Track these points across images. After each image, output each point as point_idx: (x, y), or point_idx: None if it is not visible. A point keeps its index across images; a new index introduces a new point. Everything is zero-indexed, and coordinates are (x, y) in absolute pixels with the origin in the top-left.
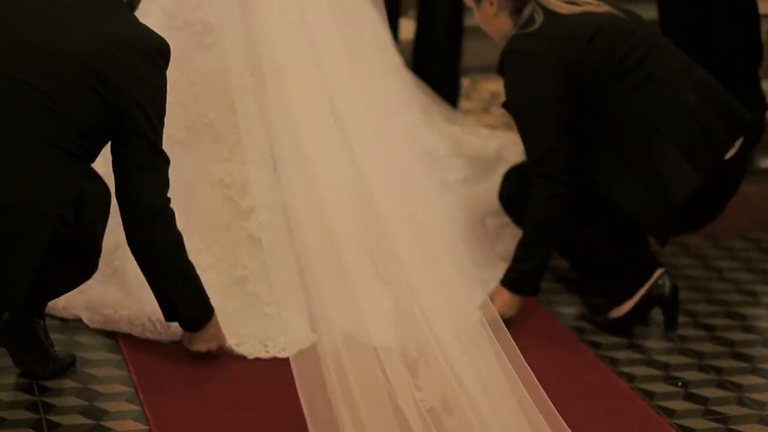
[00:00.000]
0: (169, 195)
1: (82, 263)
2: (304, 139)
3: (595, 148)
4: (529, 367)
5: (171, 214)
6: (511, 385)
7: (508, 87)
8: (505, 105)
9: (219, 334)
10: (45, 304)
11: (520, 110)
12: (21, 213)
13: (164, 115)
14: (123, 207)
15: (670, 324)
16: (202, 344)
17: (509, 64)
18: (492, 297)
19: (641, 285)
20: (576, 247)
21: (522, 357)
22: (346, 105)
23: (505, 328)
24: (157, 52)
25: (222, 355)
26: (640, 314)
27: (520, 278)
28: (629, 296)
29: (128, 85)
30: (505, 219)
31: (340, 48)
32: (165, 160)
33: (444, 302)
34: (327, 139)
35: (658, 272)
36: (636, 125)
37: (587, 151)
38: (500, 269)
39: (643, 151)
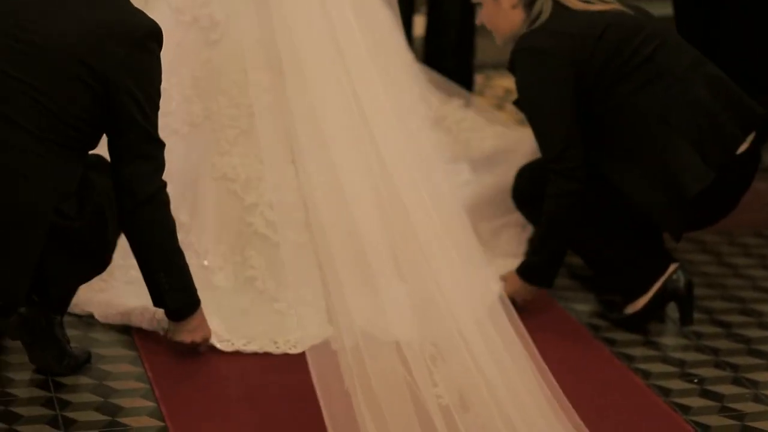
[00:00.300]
0: (167, 183)
1: (91, 256)
2: (326, 131)
3: (606, 144)
4: (544, 363)
5: (165, 201)
6: (534, 379)
7: (518, 85)
8: (516, 103)
9: (203, 326)
10: (63, 301)
11: (531, 108)
12: (15, 208)
13: (158, 99)
14: (118, 193)
15: (685, 319)
16: (186, 335)
17: (519, 62)
18: (504, 280)
19: (656, 280)
20: (590, 243)
21: (536, 350)
22: (368, 97)
23: (516, 316)
24: (147, 35)
25: (205, 349)
26: (655, 309)
27: (533, 269)
28: (644, 292)
29: (116, 75)
30: (499, 222)
31: (360, 41)
32: (159, 146)
33: (465, 294)
34: (349, 131)
35: (672, 267)
36: (646, 122)
37: (598, 148)
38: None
39: (654, 147)
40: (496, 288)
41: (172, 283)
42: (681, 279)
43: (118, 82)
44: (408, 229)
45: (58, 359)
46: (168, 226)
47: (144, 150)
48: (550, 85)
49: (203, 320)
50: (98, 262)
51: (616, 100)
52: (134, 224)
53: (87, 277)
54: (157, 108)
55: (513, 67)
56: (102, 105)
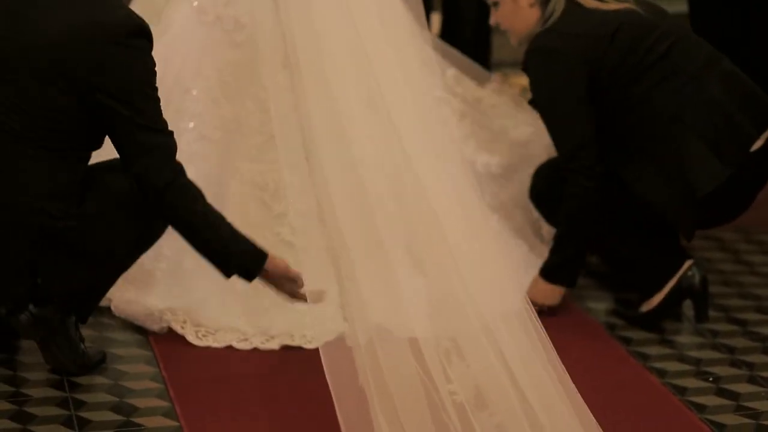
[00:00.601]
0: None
1: (91, 257)
2: (347, 124)
3: (619, 143)
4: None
5: (184, 185)
6: (555, 377)
7: (532, 85)
8: (531, 102)
9: (288, 272)
10: (84, 304)
11: (545, 108)
12: None
13: (153, 91)
14: (139, 191)
15: (700, 316)
16: (286, 283)
17: (532, 62)
18: (530, 287)
19: (671, 277)
20: (606, 241)
21: (556, 352)
22: (391, 91)
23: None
24: (130, 33)
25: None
26: (670, 306)
27: (555, 268)
28: (659, 289)
29: (94, 76)
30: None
31: (381, 34)
32: (162, 135)
33: (489, 289)
34: (371, 125)
35: (687, 264)
36: (660, 120)
37: (612, 147)
38: None
39: (668, 145)
40: (523, 283)
41: (227, 241)
42: (696, 275)
43: (95, 83)
44: (428, 222)
45: (72, 359)
46: (196, 207)
47: (146, 143)
48: (563, 84)
49: (283, 264)
50: (101, 262)
51: (630, 98)
52: (165, 215)
53: (91, 278)
54: (154, 99)
55: (527, 67)
56: (83, 106)
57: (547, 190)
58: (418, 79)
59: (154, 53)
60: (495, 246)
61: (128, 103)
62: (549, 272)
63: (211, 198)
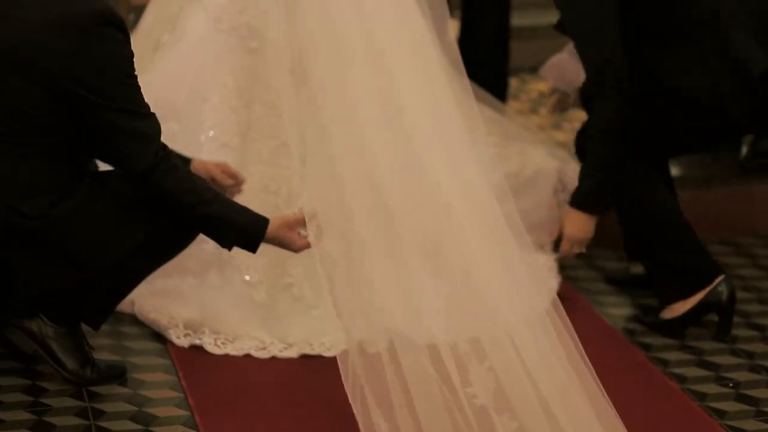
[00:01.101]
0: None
1: (64, 258)
2: (364, 131)
3: (659, 45)
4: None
5: (169, 167)
6: (577, 380)
7: (560, 3)
8: (557, 26)
9: (290, 232)
10: (86, 310)
11: (573, 22)
12: None
13: (128, 80)
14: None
15: (723, 332)
16: (288, 235)
17: None
18: (563, 221)
19: (700, 288)
20: (648, 239)
21: (585, 357)
22: (409, 101)
23: (570, 324)
24: (99, 22)
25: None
26: (695, 318)
27: (586, 196)
28: (684, 297)
29: (66, 66)
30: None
31: (398, 37)
32: (143, 118)
33: (511, 292)
34: (388, 132)
35: (719, 278)
36: (702, 16)
37: (652, 51)
38: None
39: (711, 37)
40: (552, 284)
41: (228, 225)
42: (725, 291)
43: (67, 73)
44: (447, 227)
45: (82, 366)
46: (185, 186)
47: (125, 127)
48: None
49: (280, 222)
50: (84, 266)
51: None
52: (153, 191)
53: (70, 281)
54: (130, 86)
55: None
56: (58, 98)
57: None
58: (435, 82)
59: (167, 62)
60: (515, 250)
61: (101, 90)
62: (582, 200)
63: None
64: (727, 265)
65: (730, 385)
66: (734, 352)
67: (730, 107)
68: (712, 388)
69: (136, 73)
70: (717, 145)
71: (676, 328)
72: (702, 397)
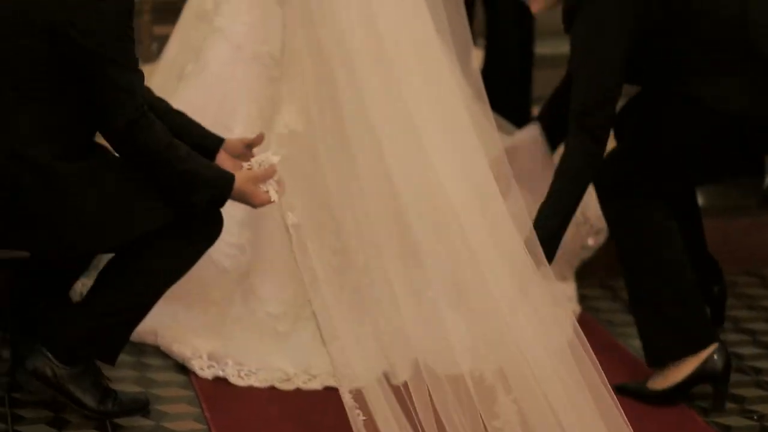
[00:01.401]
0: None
1: (74, 219)
2: (386, 156)
3: (683, 57)
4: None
5: (150, 121)
6: (601, 411)
7: (574, 33)
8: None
9: (255, 188)
10: (95, 346)
11: (580, 54)
12: None
13: (121, 32)
14: (100, 130)
15: (718, 404)
16: (253, 189)
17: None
18: None
19: (692, 351)
20: (653, 288)
21: (608, 384)
22: (426, 126)
23: (593, 355)
24: None
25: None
26: (688, 388)
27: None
28: (675, 358)
29: (61, 16)
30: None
31: (416, 65)
32: (128, 70)
33: (535, 323)
34: (406, 153)
35: (713, 346)
36: (728, 27)
37: (677, 60)
38: None
39: (740, 49)
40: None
41: (201, 180)
42: (720, 361)
43: (63, 21)
44: (473, 256)
45: (102, 401)
46: (162, 142)
47: (118, 80)
48: (610, 20)
49: (249, 178)
50: (98, 232)
51: (692, 7)
52: (134, 151)
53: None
54: (124, 39)
55: (570, 19)
56: (54, 48)
57: (614, 187)
58: (452, 105)
59: (191, 91)
60: (536, 280)
61: (92, 36)
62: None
63: (250, 236)
64: (752, 297)
65: (755, 417)
66: (759, 384)
67: (757, 113)
68: (736, 421)
69: (133, 26)
70: (745, 169)
71: (668, 399)
72: (726, 429)
